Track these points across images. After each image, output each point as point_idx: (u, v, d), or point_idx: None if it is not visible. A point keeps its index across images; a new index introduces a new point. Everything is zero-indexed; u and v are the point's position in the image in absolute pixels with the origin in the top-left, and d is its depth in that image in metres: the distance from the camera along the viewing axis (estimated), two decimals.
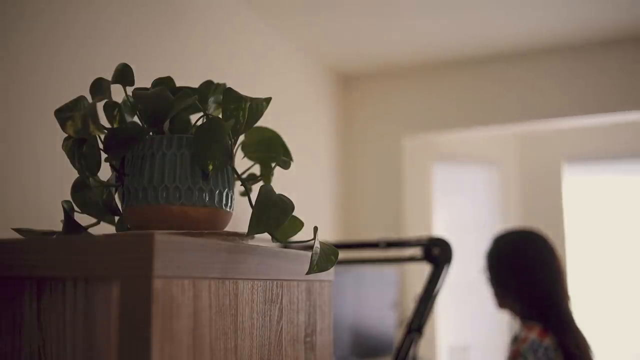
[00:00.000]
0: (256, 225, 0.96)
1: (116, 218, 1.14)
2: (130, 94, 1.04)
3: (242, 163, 1.21)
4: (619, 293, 4.03)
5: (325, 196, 3.09)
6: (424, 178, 3.53)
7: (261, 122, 1.14)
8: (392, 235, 3.14)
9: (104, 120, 1.03)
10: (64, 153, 1.01)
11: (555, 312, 1.87)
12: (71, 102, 1.01)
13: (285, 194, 1.02)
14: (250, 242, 1.07)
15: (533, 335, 1.80)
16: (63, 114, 0.97)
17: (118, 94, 1.08)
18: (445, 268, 1.90)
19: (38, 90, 1.51)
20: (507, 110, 3.07)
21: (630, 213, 4.07)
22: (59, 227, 1.10)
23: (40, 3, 1.53)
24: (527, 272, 1.93)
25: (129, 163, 1.01)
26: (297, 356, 1.13)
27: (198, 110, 1.10)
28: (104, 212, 1.08)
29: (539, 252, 1.96)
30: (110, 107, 1.03)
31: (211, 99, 1.12)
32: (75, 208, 1.07)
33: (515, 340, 1.87)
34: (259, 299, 1.02)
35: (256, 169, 1.24)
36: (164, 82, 1.07)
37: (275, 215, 0.97)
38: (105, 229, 1.20)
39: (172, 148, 0.99)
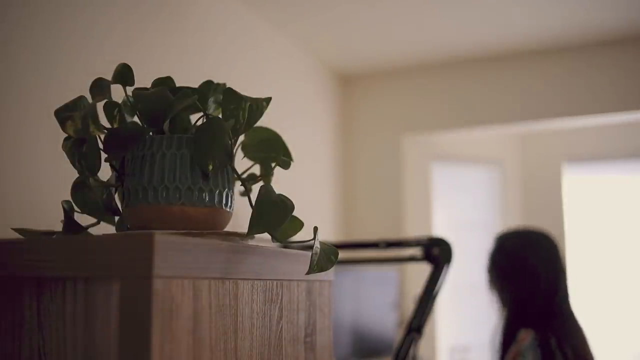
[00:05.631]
0: (256, 225, 0.96)
1: (116, 218, 1.14)
2: (130, 94, 1.04)
3: (242, 163, 1.21)
4: (618, 292, 4.03)
5: (325, 196, 3.09)
6: (424, 178, 3.53)
7: (261, 122, 1.14)
8: (392, 235, 3.15)
9: (104, 120, 1.03)
10: (64, 153, 1.01)
11: (555, 313, 1.86)
12: (71, 102, 1.01)
13: (285, 194, 1.02)
14: (250, 242, 1.07)
15: (530, 336, 1.80)
16: (63, 114, 0.97)
17: (118, 94, 1.08)
18: (445, 268, 1.90)
19: (38, 90, 1.51)
20: (507, 110, 3.07)
21: (630, 213, 4.07)
22: (59, 227, 1.10)
23: (40, 3, 1.53)
24: (528, 272, 1.92)
25: (129, 163, 1.01)
26: (297, 356, 1.13)
27: (198, 110, 1.10)
28: (104, 212, 1.08)
29: (541, 252, 1.94)
30: (110, 107, 1.03)
31: (211, 99, 1.12)
32: (75, 208, 1.07)
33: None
34: (259, 299, 1.02)
35: (256, 169, 1.24)
36: (164, 82, 1.07)
37: (275, 215, 0.97)
38: (105, 229, 1.20)
39: (172, 148, 0.99)
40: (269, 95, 1.09)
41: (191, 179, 0.99)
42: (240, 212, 1.33)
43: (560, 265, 1.94)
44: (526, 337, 1.80)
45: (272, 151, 1.19)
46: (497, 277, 2.00)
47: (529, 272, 1.92)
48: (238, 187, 1.14)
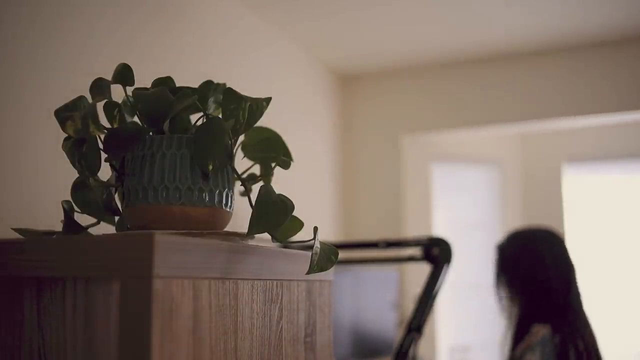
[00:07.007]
0: (256, 225, 0.96)
1: (116, 218, 1.14)
2: (130, 94, 1.04)
3: (242, 163, 1.21)
4: (619, 292, 4.03)
5: (325, 196, 3.09)
6: (424, 178, 3.53)
7: (261, 122, 1.14)
8: (392, 235, 3.15)
9: (104, 120, 1.03)
10: (64, 153, 1.01)
11: (569, 309, 1.86)
12: (71, 102, 1.01)
13: (285, 194, 1.02)
14: (250, 242, 1.07)
15: (545, 330, 1.79)
16: (63, 114, 0.97)
17: (118, 94, 1.08)
18: (445, 268, 1.90)
19: (38, 90, 1.51)
20: (507, 110, 3.07)
21: (630, 213, 4.07)
22: (59, 227, 1.10)
23: (40, 3, 1.53)
24: (541, 270, 1.90)
25: (129, 163, 1.01)
26: (297, 356, 1.13)
27: (198, 110, 1.10)
28: (104, 212, 1.08)
29: (552, 249, 1.93)
30: (110, 107, 1.03)
31: (211, 99, 1.12)
32: (75, 208, 1.07)
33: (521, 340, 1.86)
34: (259, 299, 1.02)
35: (256, 169, 1.24)
36: (164, 82, 1.07)
37: (275, 215, 0.97)
38: (105, 229, 1.20)
39: (172, 148, 0.99)
40: (269, 95, 1.09)
41: (191, 179, 0.99)
42: (240, 212, 1.33)
43: (570, 262, 1.93)
44: (540, 332, 1.79)
45: (272, 151, 1.19)
46: (507, 276, 1.96)
47: (542, 271, 1.89)
48: (238, 187, 1.14)
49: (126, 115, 1.06)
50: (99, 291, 0.81)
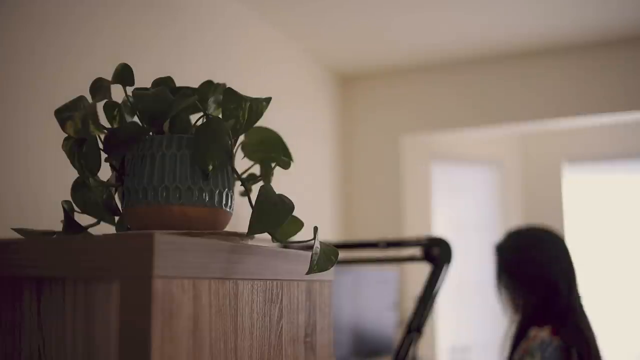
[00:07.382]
0: (256, 225, 0.96)
1: (116, 218, 1.14)
2: (130, 94, 1.04)
3: (242, 163, 1.21)
4: (619, 293, 4.03)
5: (325, 196, 3.09)
6: (424, 178, 3.53)
7: (261, 122, 1.14)
8: (392, 235, 3.14)
9: (104, 120, 1.03)
10: (64, 153, 1.01)
11: (567, 313, 1.85)
12: (71, 102, 1.01)
13: (285, 194, 1.02)
14: (250, 242, 1.07)
15: (543, 334, 1.77)
16: (63, 114, 0.97)
17: (118, 94, 1.08)
18: (445, 268, 1.90)
19: (38, 90, 1.51)
20: (507, 110, 3.07)
21: (631, 213, 4.07)
22: (59, 227, 1.10)
23: (40, 3, 1.53)
24: (542, 270, 1.88)
25: (129, 163, 1.01)
26: (297, 356, 1.13)
27: (198, 110, 1.10)
28: (104, 212, 1.08)
29: (555, 250, 1.91)
30: (110, 107, 1.03)
31: (211, 99, 1.12)
32: (75, 208, 1.07)
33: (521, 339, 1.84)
34: (259, 299, 1.02)
35: (256, 169, 1.24)
36: (164, 82, 1.07)
37: (275, 215, 0.97)
38: (105, 229, 1.20)
39: (172, 148, 0.99)
40: (269, 95, 1.09)
41: (191, 179, 0.99)
42: (240, 212, 1.33)
43: (571, 262, 1.92)
44: (538, 335, 1.77)
45: (272, 151, 1.19)
46: (506, 276, 1.95)
47: (541, 271, 1.88)
48: (238, 187, 1.14)
49: (126, 115, 1.06)
50: (99, 291, 0.81)
